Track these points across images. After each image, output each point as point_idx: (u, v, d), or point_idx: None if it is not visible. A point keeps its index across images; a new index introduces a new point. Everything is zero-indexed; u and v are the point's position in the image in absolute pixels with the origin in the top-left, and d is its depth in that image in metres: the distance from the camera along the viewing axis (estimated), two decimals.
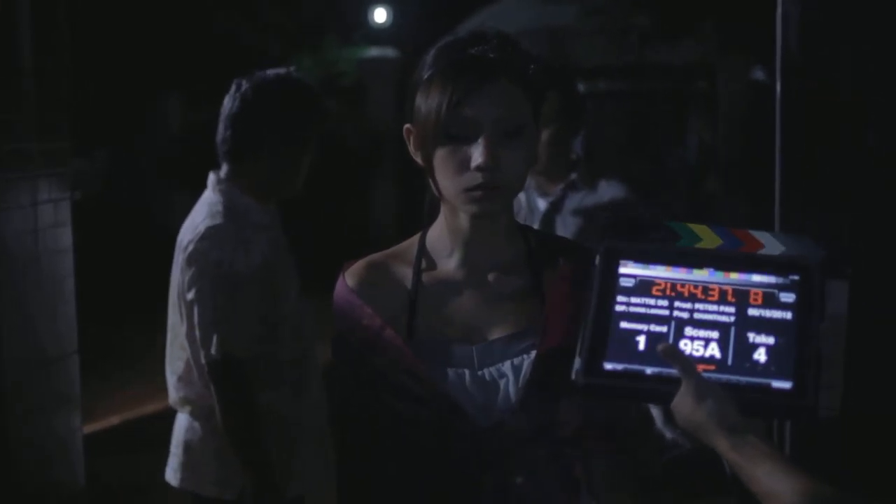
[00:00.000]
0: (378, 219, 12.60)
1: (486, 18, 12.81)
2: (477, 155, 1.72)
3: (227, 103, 2.86)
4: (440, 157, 1.75)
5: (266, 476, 2.72)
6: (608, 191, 3.37)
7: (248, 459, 2.72)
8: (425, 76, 1.77)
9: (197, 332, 2.71)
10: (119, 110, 11.63)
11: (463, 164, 1.73)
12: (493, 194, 1.74)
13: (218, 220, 2.75)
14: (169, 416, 2.92)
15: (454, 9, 12.44)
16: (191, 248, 2.72)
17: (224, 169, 2.88)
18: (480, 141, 1.72)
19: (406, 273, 1.85)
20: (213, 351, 2.68)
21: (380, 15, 12.45)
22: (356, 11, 12.51)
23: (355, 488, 1.85)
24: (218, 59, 11.38)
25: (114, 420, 6.41)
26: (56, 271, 3.20)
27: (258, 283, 2.75)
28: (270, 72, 2.88)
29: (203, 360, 2.71)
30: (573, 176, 3.31)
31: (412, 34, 12.57)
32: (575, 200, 3.33)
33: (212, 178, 2.88)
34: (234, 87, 2.86)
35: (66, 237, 3.25)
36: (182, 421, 2.88)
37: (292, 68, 2.95)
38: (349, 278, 1.85)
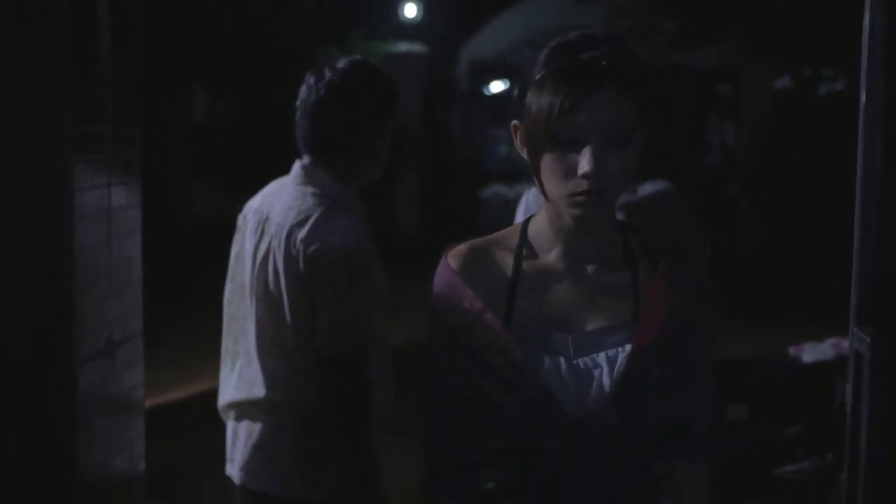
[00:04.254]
0: (402, 216, 12.62)
1: (515, 16, 12.84)
2: (584, 162, 1.76)
3: (307, 94, 2.81)
4: (547, 161, 1.80)
5: (375, 476, 2.72)
6: (649, 186, 3.39)
7: (359, 459, 2.69)
8: (536, 77, 1.80)
9: (327, 327, 2.65)
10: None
11: (569, 170, 1.78)
12: (597, 199, 1.80)
13: (338, 212, 2.72)
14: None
15: (484, 6, 12.48)
16: (318, 245, 2.66)
17: (308, 159, 2.84)
18: (588, 149, 1.76)
19: (507, 260, 1.91)
20: (349, 345, 2.64)
21: (410, 10, 12.49)
22: (386, 6, 12.55)
23: (442, 469, 1.88)
24: (243, 52, 11.41)
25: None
26: (126, 253, 3.24)
27: (378, 274, 2.75)
28: (345, 60, 2.82)
29: (332, 355, 2.66)
30: None
31: (441, 30, 12.60)
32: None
33: (298, 167, 2.84)
34: (312, 78, 2.82)
35: (136, 219, 3.29)
36: (262, 422, 2.80)
37: (359, 56, 2.90)
38: (452, 260, 1.90)
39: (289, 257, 2.70)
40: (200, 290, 6.04)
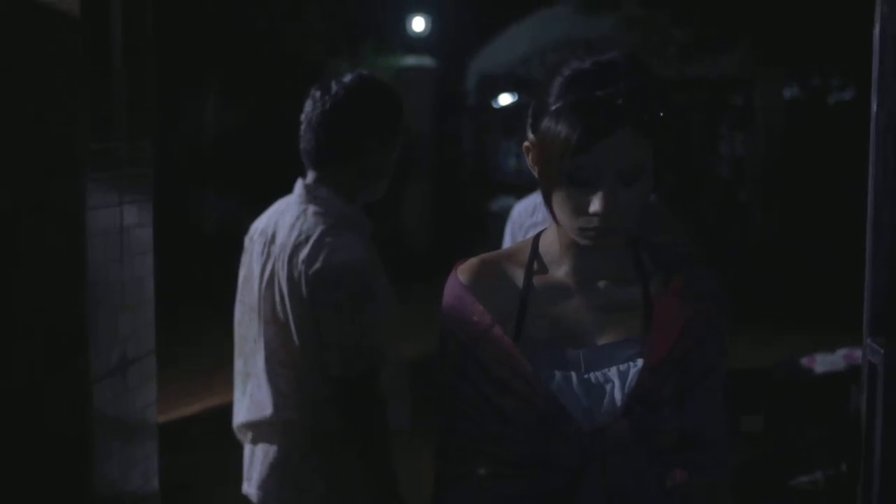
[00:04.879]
0: (411, 229, 12.62)
1: (524, 29, 12.85)
2: (596, 202, 1.75)
3: (312, 108, 2.78)
4: (559, 196, 1.79)
5: (394, 491, 2.69)
6: None
7: (377, 474, 2.66)
8: (551, 107, 1.78)
9: (335, 348, 2.63)
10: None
11: (581, 207, 1.77)
12: (607, 234, 1.78)
13: (339, 230, 2.68)
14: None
15: (492, 19, 12.50)
16: (319, 265, 2.64)
17: (312, 175, 2.81)
18: (601, 191, 1.74)
19: (517, 274, 1.90)
20: (358, 365, 2.61)
21: (418, 24, 12.51)
22: (395, 20, 12.57)
23: (452, 478, 1.88)
24: (252, 63, 11.44)
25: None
26: (138, 272, 3.24)
27: (385, 292, 2.71)
28: (351, 75, 2.81)
29: (342, 376, 2.63)
30: None
31: (450, 43, 12.62)
32: None
33: (300, 185, 2.81)
34: (317, 93, 2.79)
35: (147, 238, 3.29)
36: (278, 442, 2.77)
37: (365, 71, 2.88)
38: (462, 275, 1.89)
39: (291, 279, 2.67)
40: (214, 300, 6.04)
